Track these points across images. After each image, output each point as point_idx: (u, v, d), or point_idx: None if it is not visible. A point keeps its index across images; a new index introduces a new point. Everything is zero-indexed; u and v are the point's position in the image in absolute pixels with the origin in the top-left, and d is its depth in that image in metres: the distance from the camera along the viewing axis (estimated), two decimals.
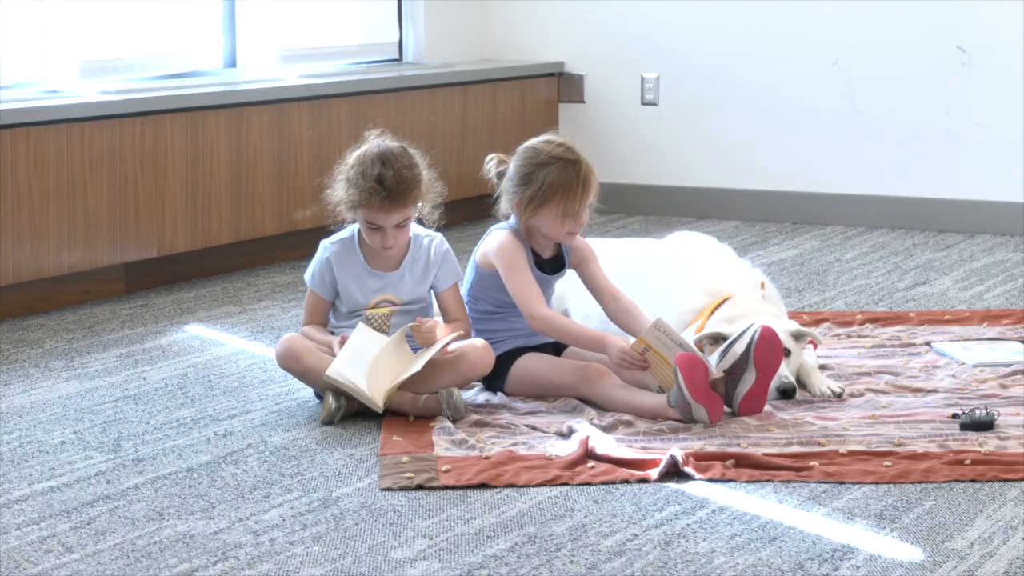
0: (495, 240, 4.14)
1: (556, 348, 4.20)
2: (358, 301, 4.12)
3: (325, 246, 4.15)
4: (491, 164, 4.21)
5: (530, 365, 4.11)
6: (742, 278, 4.40)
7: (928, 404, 4.04)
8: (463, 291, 4.22)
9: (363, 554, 3.06)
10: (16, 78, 5.57)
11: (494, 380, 4.15)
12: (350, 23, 7.16)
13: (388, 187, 3.99)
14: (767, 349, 3.86)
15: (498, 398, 4.14)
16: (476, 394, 4.18)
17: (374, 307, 4.11)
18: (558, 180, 4.04)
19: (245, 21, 6.43)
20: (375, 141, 4.10)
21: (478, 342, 4.13)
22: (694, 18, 7.22)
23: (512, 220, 4.16)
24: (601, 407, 3.98)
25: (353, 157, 4.08)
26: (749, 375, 3.86)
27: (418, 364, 3.93)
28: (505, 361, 4.13)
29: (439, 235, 4.21)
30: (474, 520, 3.25)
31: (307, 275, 4.17)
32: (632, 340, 3.97)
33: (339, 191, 4.08)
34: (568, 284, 4.43)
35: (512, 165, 4.13)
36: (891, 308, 5.29)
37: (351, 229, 4.16)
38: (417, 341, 4.01)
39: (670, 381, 3.90)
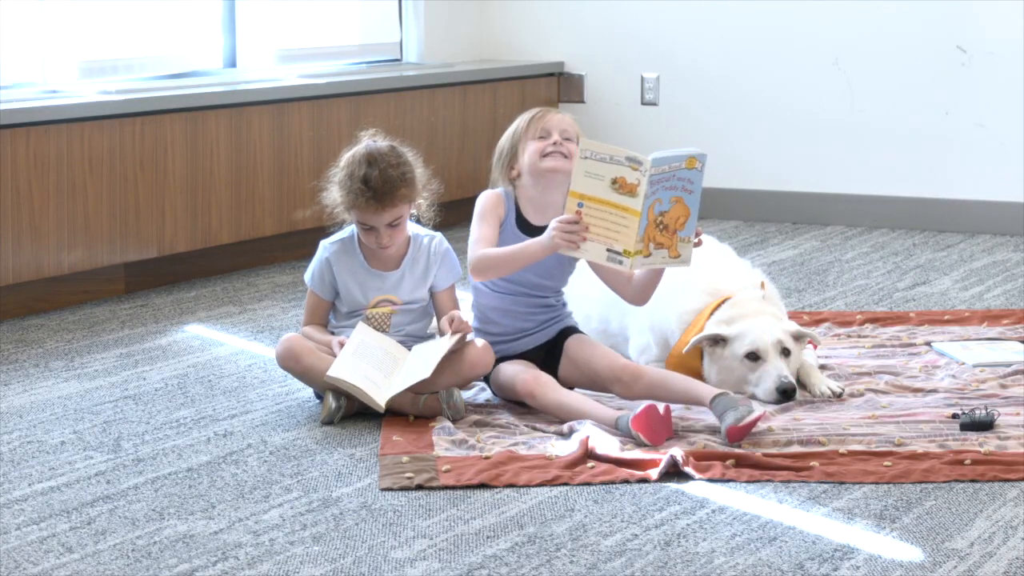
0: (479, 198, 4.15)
1: (547, 357, 4.14)
2: (358, 301, 4.12)
3: (324, 246, 4.15)
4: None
5: (503, 370, 4.07)
6: (742, 278, 4.40)
7: (928, 404, 4.04)
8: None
9: (363, 554, 3.06)
10: (16, 78, 5.57)
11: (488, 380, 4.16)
12: (350, 23, 7.16)
13: (374, 187, 3.99)
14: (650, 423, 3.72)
15: (498, 398, 4.14)
16: (476, 394, 4.18)
17: (374, 307, 4.11)
18: (518, 123, 4.12)
19: (245, 21, 6.43)
20: (365, 142, 4.11)
21: (478, 342, 4.13)
22: (694, 18, 7.22)
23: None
24: (545, 409, 3.94)
25: (343, 159, 4.09)
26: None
27: (428, 369, 3.91)
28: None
29: (439, 234, 4.20)
30: (474, 520, 3.25)
31: (307, 275, 4.17)
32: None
33: (333, 194, 4.08)
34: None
35: None
36: (891, 308, 5.29)
37: (350, 229, 4.16)
38: (452, 332, 4.00)
39: (627, 237, 3.74)
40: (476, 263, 4.00)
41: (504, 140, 4.15)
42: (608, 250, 3.77)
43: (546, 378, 4.00)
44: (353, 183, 4.01)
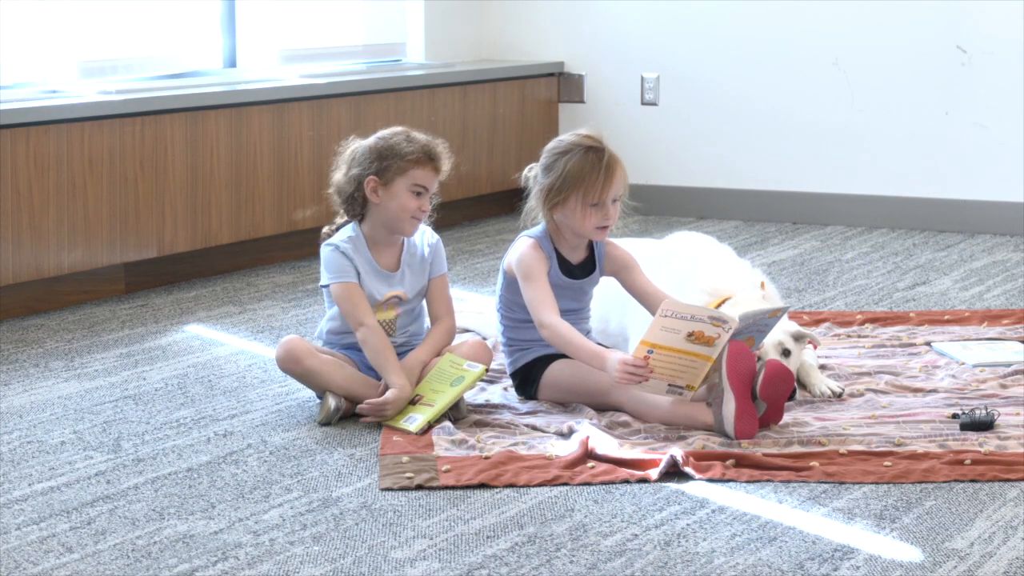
0: (517, 249, 4.06)
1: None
2: (371, 294, 4.08)
3: (335, 242, 4.09)
4: (528, 173, 4.11)
5: (564, 371, 4.03)
6: (742, 278, 4.40)
7: (928, 404, 4.04)
8: (496, 299, 4.18)
9: (363, 554, 3.06)
10: (16, 78, 5.58)
11: (526, 387, 4.11)
12: (350, 23, 7.16)
13: (429, 149, 4.08)
14: (737, 364, 3.73)
15: (499, 398, 4.14)
16: (476, 394, 4.18)
17: (381, 303, 4.10)
18: (578, 166, 3.97)
19: (245, 21, 6.43)
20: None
21: (476, 340, 4.13)
22: (694, 19, 7.22)
23: (539, 228, 4.08)
24: (634, 414, 3.90)
25: (381, 132, 4.15)
26: (728, 397, 3.73)
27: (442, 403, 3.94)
28: (536, 368, 4.08)
29: (428, 227, 4.21)
30: (474, 520, 3.25)
31: (324, 278, 4.08)
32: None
33: (360, 168, 4.08)
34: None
35: (539, 162, 4.08)
36: (891, 308, 5.29)
37: (350, 229, 4.14)
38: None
39: (694, 378, 3.75)
40: (550, 334, 3.94)
41: (556, 178, 3.98)
42: (670, 384, 3.80)
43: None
44: (413, 145, 4.07)
